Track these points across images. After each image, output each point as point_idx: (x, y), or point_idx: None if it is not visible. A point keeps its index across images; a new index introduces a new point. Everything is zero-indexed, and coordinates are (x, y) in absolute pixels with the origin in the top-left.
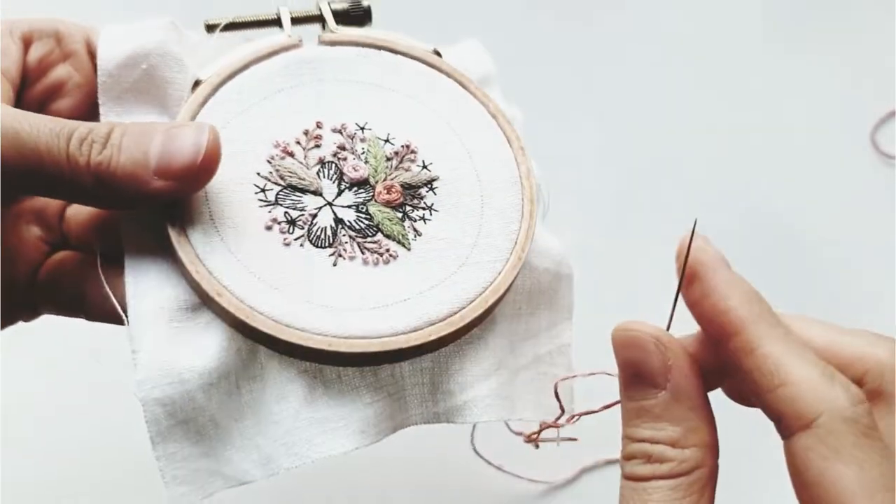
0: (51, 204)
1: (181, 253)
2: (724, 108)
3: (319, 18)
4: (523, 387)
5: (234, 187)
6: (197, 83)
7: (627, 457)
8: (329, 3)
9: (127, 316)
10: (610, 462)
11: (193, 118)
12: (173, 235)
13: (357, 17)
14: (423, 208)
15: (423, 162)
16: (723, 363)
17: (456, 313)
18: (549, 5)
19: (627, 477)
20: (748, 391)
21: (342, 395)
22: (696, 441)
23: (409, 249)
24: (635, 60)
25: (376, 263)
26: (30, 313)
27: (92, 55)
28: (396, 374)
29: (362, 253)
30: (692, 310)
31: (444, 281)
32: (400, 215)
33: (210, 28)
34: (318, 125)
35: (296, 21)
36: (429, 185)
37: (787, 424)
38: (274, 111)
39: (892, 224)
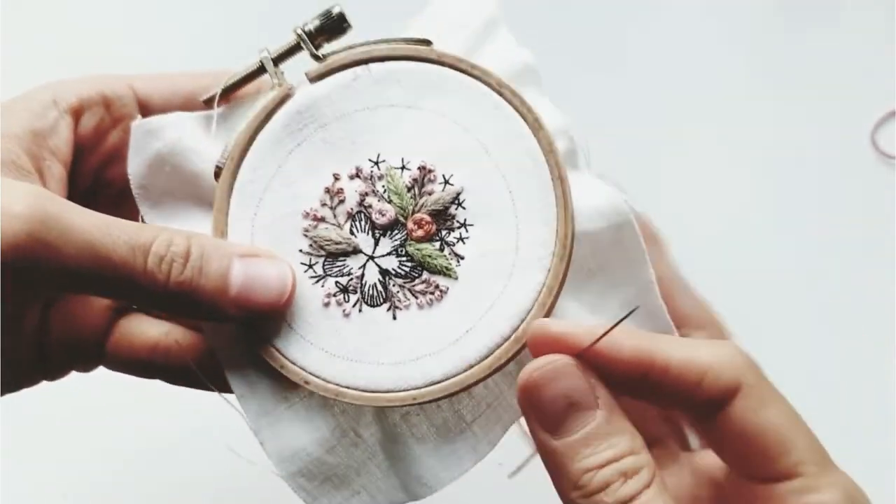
0: None
1: (262, 353)
2: (725, 109)
3: (299, 47)
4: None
5: None
6: (218, 170)
7: (599, 488)
8: (303, 28)
9: (242, 411)
10: None
11: (227, 215)
12: (248, 338)
13: (332, 27)
14: (458, 227)
15: (444, 177)
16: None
17: (518, 326)
18: None
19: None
20: (667, 395)
21: (445, 422)
22: (642, 441)
23: (456, 279)
24: (636, 60)
25: (431, 304)
26: (91, 366)
27: (143, 109)
28: (490, 385)
29: (415, 297)
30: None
31: (499, 297)
32: (438, 245)
33: (207, 102)
34: (336, 177)
35: (279, 61)
36: (456, 202)
37: (716, 405)
38: (293, 178)
39: (892, 224)
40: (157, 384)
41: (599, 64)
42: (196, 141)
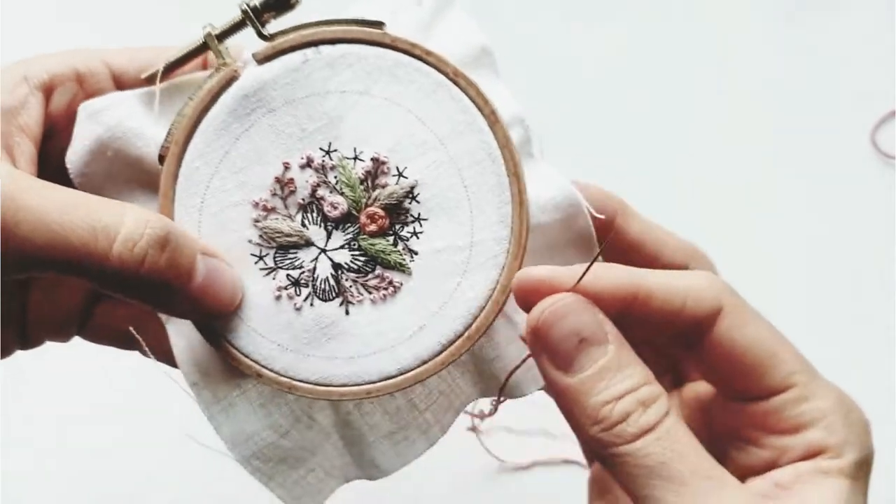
0: None
1: (214, 346)
2: (725, 109)
3: (244, 23)
4: None
5: (236, 261)
6: (162, 155)
7: (620, 419)
8: (247, 3)
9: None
10: (568, 461)
11: (173, 201)
12: (200, 330)
13: (279, 3)
14: (412, 221)
15: (398, 169)
16: None
17: (471, 324)
18: None
19: (638, 434)
20: (652, 324)
21: (398, 410)
22: (650, 371)
23: (409, 274)
24: (635, 61)
25: (384, 299)
26: (62, 338)
27: (118, 83)
28: (443, 374)
29: (368, 293)
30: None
31: (452, 295)
32: (391, 240)
33: (149, 80)
34: (286, 166)
35: (223, 37)
36: (410, 196)
37: (701, 329)
38: (241, 164)
39: (893, 224)
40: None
41: (601, 64)
42: (138, 123)
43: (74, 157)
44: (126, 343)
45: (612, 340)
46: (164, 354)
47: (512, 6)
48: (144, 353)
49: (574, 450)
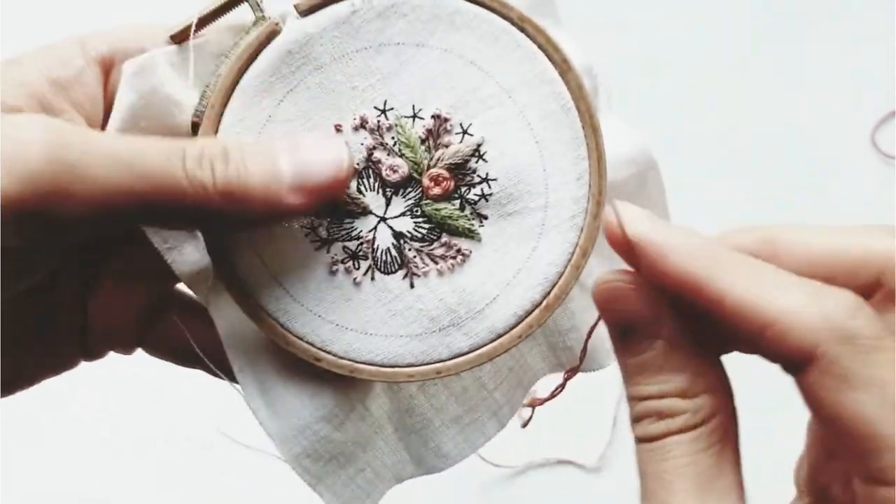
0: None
1: (265, 330)
2: (725, 109)
3: None
4: None
5: (284, 234)
6: (195, 125)
7: (637, 418)
8: None
9: (237, 384)
10: (562, 462)
11: None
12: (250, 314)
13: None
14: (479, 182)
15: (462, 126)
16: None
17: (550, 292)
18: None
19: (641, 439)
20: (745, 343)
21: (465, 391)
22: (705, 386)
23: (479, 241)
24: (635, 63)
25: (452, 269)
26: (126, 350)
27: None
28: (512, 350)
29: (435, 263)
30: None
31: (527, 261)
32: (457, 204)
33: (175, 38)
34: (338, 129)
35: None
36: (477, 154)
37: (791, 367)
38: (286, 128)
39: (893, 224)
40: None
41: (602, 62)
42: (174, 88)
43: (114, 127)
44: (186, 360)
45: (664, 336)
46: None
47: None
48: (211, 372)
49: (567, 449)
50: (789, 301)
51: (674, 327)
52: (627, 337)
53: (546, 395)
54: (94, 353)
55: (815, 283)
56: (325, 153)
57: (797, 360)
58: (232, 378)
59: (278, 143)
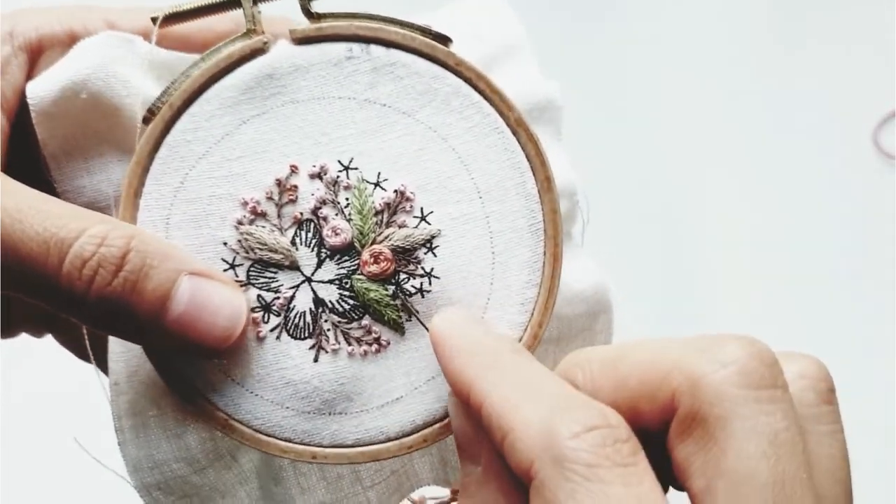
0: None
1: (150, 356)
2: (726, 109)
3: None
4: None
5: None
6: (148, 117)
7: None
8: None
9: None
10: None
11: (146, 171)
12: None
13: None
14: (421, 276)
15: (422, 211)
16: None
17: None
18: None
19: None
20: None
21: (340, 479)
22: None
23: (402, 335)
24: (637, 62)
25: (364, 356)
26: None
27: None
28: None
29: (348, 344)
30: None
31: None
32: (391, 290)
33: (156, 21)
34: (293, 170)
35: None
36: (428, 245)
37: (523, 481)
38: (239, 152)
39: (894, 223)
40: None
41: (602, 67)
42: (128, 69)
43: (41, 89)
44: (83, 355)
45: (482, 462)
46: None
47: None
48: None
49: None
50: (529, 413)
51: (490, 459)
52: (459, 450)
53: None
54: (7, 332)
55: (579, 397)
56: (224, 309)
57: (524, 476)
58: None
59: (188, 267)
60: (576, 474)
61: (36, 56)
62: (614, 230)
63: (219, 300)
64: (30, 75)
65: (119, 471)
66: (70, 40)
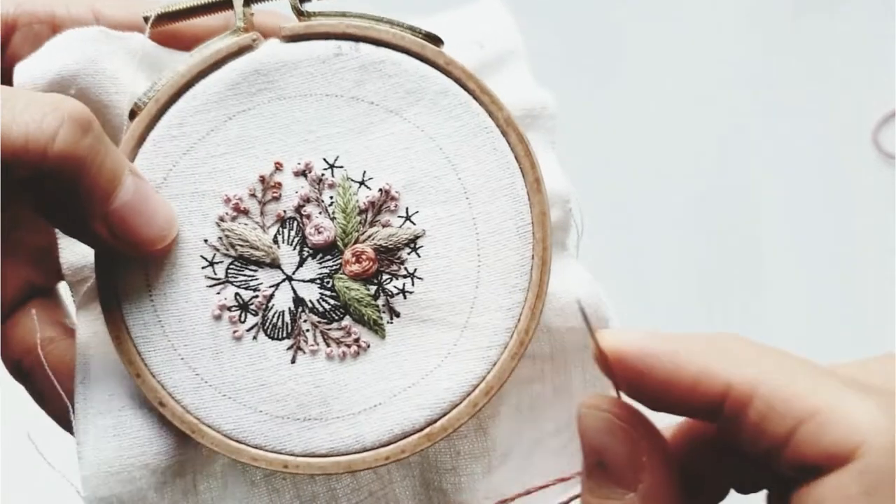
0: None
1: (119, 352)
2: (726, 110)
3: None
4: (550, 457)
5: (179, 259)
6: (134, 111)
7: None
8: None
9: (73, 405)
10: None
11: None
12: (111, 329)
13: None
14: (404, 276)
15: (407, 211)
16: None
17: (436, 421)
18: None
19: None
20: (761, 457)
21: (314, 499)
22: None
23: (382, 338)
24: (638, 62)
25: (343, 358)
26: None
27: None
28: (381, 472)
29: (326, 345)
30: (657, 405)
31: (424, 378)
32: (373, 290)
33: (148, 20)
34: (278, 167)
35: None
36: (412, 246)
37: (818, 465)
38: (224, 149)
39: (894, 223)
40: None
41: (593, 67)
42: (118, 67)
43: (29, 76)
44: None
45: (640, 493)
46: None
47: None
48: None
49: None
50: (834, 393)
51: (653, 488)
52: (601, 471)
53: None
54: None
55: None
56: (160, 214)
57: (824, 462)
58: (69, 396)
59: (132, 166)
60: None
61: (10, 32)
62: (610, 241)
63: (156, 202)
64: (4, 47)
65: (69, 476)
66: (51, 21)
